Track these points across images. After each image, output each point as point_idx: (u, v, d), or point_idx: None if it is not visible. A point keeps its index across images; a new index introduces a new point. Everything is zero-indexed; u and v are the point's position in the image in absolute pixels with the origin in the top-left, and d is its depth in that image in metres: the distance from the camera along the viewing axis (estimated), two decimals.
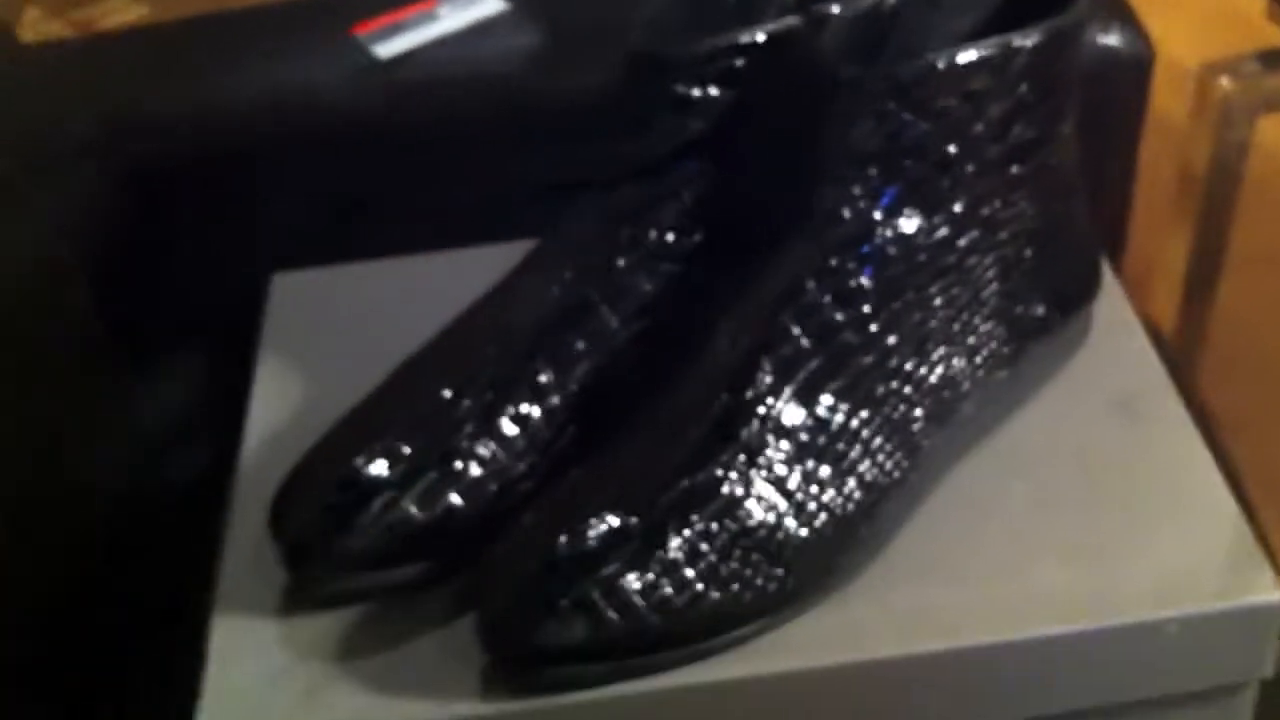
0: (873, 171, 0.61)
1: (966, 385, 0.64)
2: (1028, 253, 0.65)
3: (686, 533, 0.58)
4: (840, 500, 0.60)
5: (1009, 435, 0.67)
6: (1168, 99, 1.52)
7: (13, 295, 0.74)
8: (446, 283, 0.76)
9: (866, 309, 0.61)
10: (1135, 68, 0.87)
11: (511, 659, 0.59)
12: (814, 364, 0.61)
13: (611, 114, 0.66)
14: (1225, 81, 1.14)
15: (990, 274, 0.63)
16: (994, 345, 0.64)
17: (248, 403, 0.73)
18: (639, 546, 0.58)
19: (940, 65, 0.59)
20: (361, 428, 0.64)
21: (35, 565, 0.74)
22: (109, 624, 0.78)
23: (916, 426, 0.62)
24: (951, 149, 0.61)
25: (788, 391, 0.60)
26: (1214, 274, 1.36)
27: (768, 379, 0.60)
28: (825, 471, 0.60)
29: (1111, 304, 0.72)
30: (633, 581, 0.57)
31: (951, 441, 0.64)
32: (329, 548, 0.61)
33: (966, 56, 0.59)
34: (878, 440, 0.61)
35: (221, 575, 0.65)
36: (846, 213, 0.61)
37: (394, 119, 0.84)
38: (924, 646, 0.60)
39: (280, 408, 0.72)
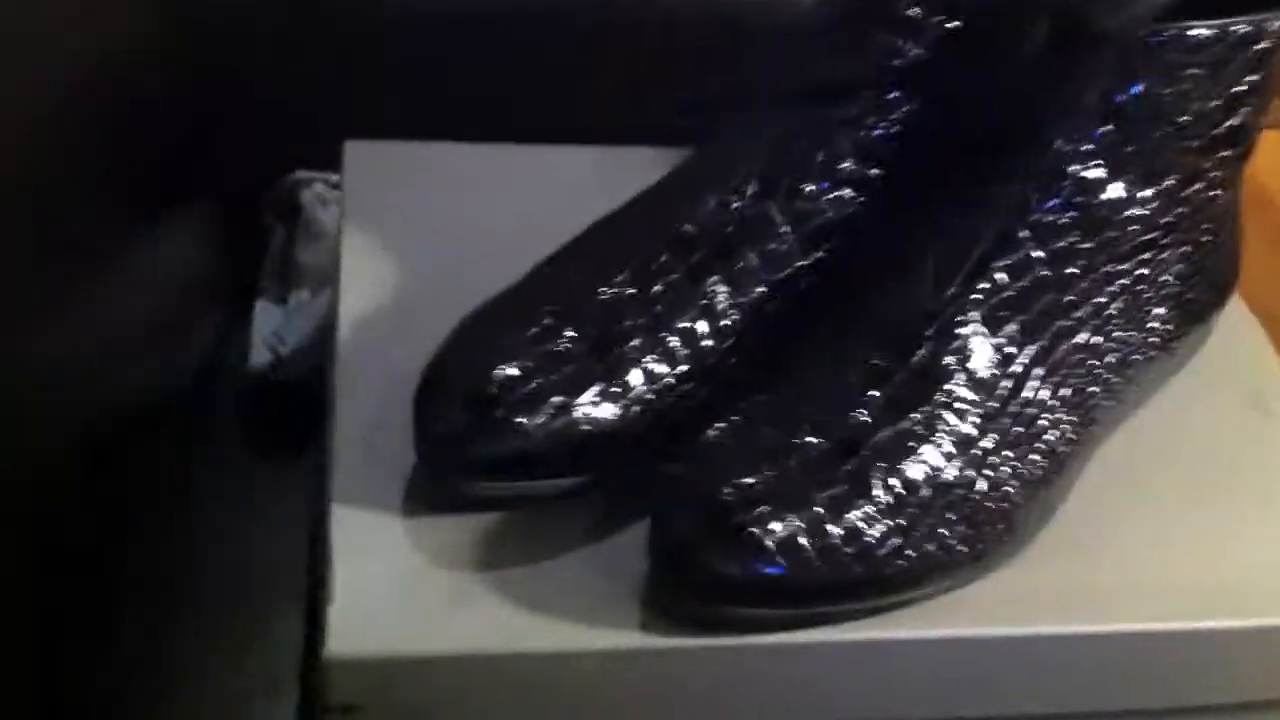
0: (1107, 129, 0.58)
1: (1136, 367, 0.62)
2: (1207, 238, 0.63)
3: (892, 480, 0.55)
4: (1027, 465, 0.58)
5: (1149, 421, 0.65)
6: None
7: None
8: (531, 175, 0.72)
9: (1073, 271, 0.59)
10: None
11: (689, 589, 0.55)
12: (1019, 321, 0.58)
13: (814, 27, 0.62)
14: None
15: (1178, 254, 0.62)
16: (1165, 329, 0.63)
17: (337, 283, 0.65)
18: (846, 490, 0.54)
19: (1196, 33, 0.57)
20: (520, 320, 0.58)
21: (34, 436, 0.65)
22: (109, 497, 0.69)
23: (1092, 399, 0.60)
24: (1184, 119, 0.59)
25: (991, 348, 0.57)
26: None
27: (972, 329, 0.57)
28: (1016, 433, 0.57)
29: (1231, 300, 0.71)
30: (838, 525, 0.54)
31: (1112, 419, 0.63)
32: (484, 448, 0.56)
33: (1223, 28, 0.58)
34: (1062, 409, 0.59)
35: (335, 468, 0.58)
36: (1072, 167, 0.58)
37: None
38: (1084, 627, 0.58)
39: (371, 292, 0.65)
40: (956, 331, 0.57)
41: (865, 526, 0.54)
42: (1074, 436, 0.59)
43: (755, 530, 0.53)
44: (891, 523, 0.54)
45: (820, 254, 0.61)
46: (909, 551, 0.55)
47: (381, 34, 0.82)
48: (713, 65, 0.79)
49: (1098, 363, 0.60)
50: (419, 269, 0.66)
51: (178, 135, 0.80)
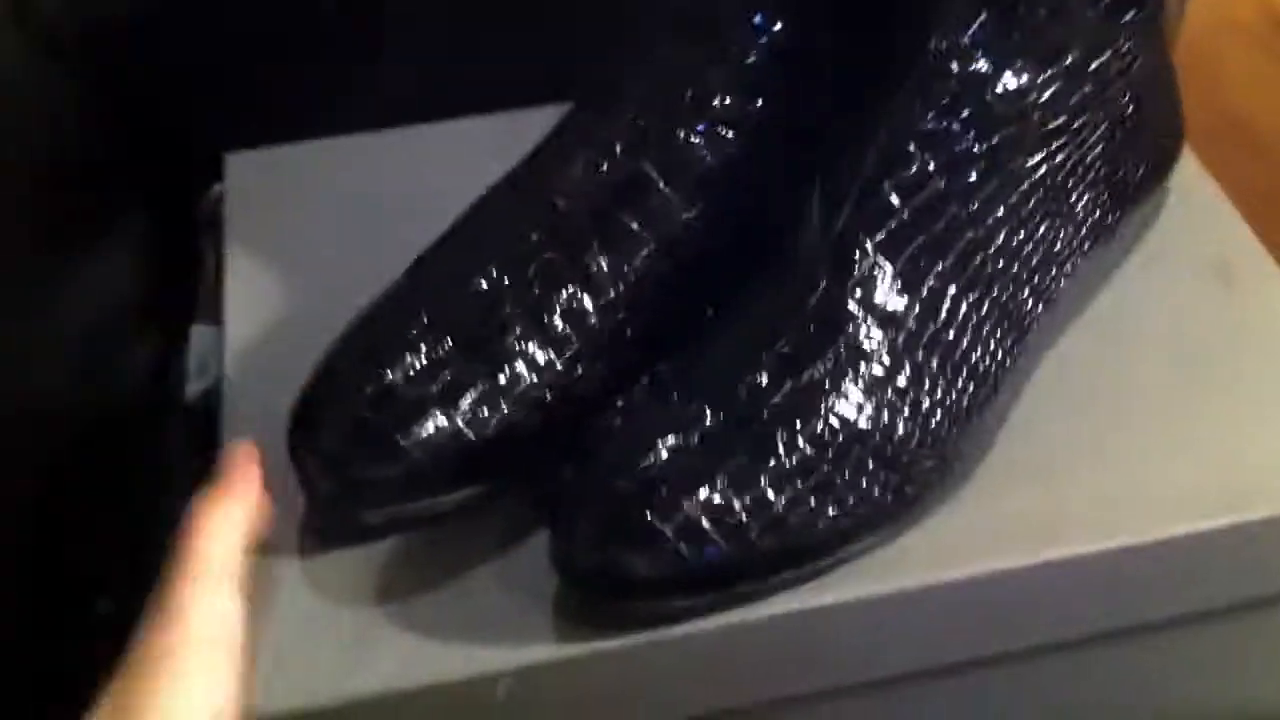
0: (984, 18, 0.53)
1: (1070, 263, 0.57)
2: (1131, 109, 0.58)
3: (798, 441, 0.51)
4: (954, 395, 0.53)
5: (1099, 311, 0.60)
6: None
7: None
8: (424, 160, 0.68)
9: (973, 177, 0.54)
10: None
11: (599, 593, 0.51)
12: (919, 241, 0.53)
13: None
14: None
15: (1098, 134, 0.57)
16: (1096, 215, 0.57)
17: (222, 305, 0.62)
18: (746, 461, 0.50)
19: None
20: (392, 330, 0.54)
21: None
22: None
23: (1024, 308, 0.55)
24: None
25: (891, 274, 0.53)
26: None
27: (870, 262, 0.53)
28: (935, 363, 0.53)
29: (1185, 161, 0.65)
30: (742, 501, 0.50)
31: (1051, 322, 0.58)
32: (365, 473, 0.52)
33: None
34: (987, 326, 0.54)
35: None
36: (954, 66, 0.53)
37: None
38: (1054, 553, 0.53)
39: (260, 309, 0.62)
40: (853, 268, 0.53)
41: (772, 496, 0.50)
42: (1006, 352, 0.55)
43: (655, 520, 0.49)
44: (800, 486, 0.50)
45: (705, 205, 0.56)
46: (828, 512, 0.51)
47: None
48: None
49: (1021, 266, 0.55)
50: (307, 282, 0.63)
51: (104, 150, 0.78)
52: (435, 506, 0.53)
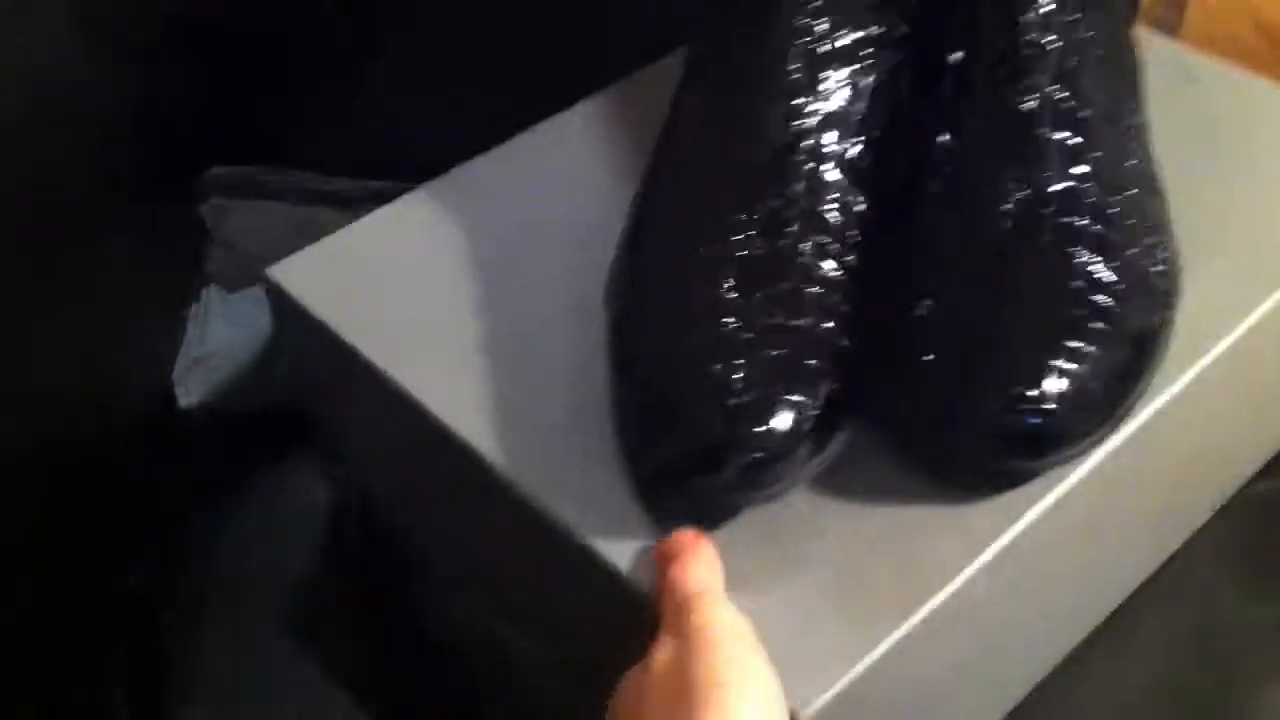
0: None
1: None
2: None
3: (1068, 308, 0.55)
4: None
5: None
6: None
7: None
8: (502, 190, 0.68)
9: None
10: None
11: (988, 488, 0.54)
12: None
13: None
14: None
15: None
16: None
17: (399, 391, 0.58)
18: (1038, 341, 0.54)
19: None
20: (698, 342, 0.53)
21: None
22: None
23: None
24: None
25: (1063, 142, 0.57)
26: None
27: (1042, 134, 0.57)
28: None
29: None
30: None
31: None
32: (734, 464, 0.51)
33: None
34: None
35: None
36: None
37: None
38: None
39: (452, 384, 0.59)
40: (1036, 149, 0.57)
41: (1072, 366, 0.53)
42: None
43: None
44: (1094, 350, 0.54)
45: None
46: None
47: None
48: None
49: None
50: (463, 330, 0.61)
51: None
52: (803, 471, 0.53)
